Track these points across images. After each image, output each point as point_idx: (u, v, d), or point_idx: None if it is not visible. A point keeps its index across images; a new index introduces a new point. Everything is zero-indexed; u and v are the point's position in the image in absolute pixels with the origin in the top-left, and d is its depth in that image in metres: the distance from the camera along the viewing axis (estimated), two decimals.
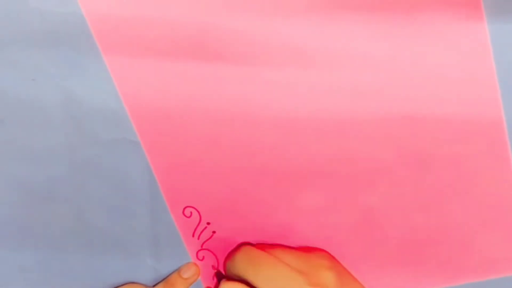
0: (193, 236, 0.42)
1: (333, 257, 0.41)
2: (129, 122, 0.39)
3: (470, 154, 0.40)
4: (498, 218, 0.41)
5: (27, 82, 0.38)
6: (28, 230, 0.41)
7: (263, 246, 0.40)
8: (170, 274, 0.42)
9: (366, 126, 0.39)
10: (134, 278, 0.42)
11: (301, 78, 0.38)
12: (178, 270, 0.42)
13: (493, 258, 0.42)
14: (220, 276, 0.41)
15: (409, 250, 0.42)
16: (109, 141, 0.39)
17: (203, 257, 0.42)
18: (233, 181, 0.40)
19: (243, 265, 0.38)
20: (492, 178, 0.40)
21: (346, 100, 0.38)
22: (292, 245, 0.41)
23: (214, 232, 0.42)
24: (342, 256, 0.42)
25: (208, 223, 0.42)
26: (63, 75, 0.38)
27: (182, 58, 0.38)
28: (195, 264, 0.42)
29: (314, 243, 0.42)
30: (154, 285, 0.42)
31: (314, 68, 0.38)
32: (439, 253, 0.42)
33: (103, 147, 0.39)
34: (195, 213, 0.41)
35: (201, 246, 0.42)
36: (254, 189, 0.40)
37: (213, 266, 0.42)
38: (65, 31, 0.37)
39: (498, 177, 0.40)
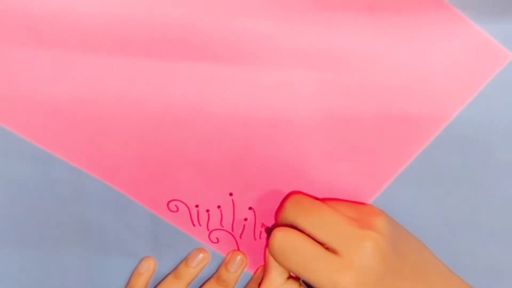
0: (194, 225, 0.41)
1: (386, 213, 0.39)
2: None
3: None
4: None
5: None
6: (28, 230, 0.41)
7: (313, 197, 0.39)
8: (218, 269, 0.42)
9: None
10: None
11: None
12: (224, 265, 0.41)
13: None
14: (270, 232, 0.39)
15: None
16: None
17: (217, 238, 0.41)
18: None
19: (294, 211, 0.37)
20: None
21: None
22: None
23: (207, 210, 0.40)
24: None
25: (197, 206, 0.40)
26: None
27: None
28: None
29: None
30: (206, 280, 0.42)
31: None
32: None
33: None
34: (180, 205, 0.40)
35: (207, 229, 0.41)
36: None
37: (262, 224, 0.41)
38: None
39: None
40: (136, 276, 0.41)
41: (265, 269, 0.38)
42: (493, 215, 0.40)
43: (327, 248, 0.35)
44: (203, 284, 0.42)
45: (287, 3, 0.36)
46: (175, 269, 0.42)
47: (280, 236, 0.36)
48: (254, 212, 0.41)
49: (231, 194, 0.40)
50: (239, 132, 0.38)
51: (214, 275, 0.42)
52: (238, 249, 0.41)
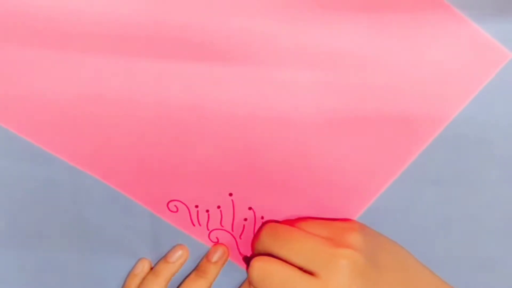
0: (193, 225, 0.41)
1: (362, 224, 0.39)
2: None
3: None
4: None
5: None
6: (28, 230, 0.41)
7: (288, 222, 0.40)
8: (200, 261, 0.41)
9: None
10: None
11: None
12: (206, 256, 0.41)
13: None
14: (248, 260, 0.40)
15: None
16: None
17: (216, 238, 0.41)
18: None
19: (269, 241, 0.38)
20: None
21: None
22: None
23: (207, 210, 0.40)
24: None
25: (197, 206, 0.40)
26: None
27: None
28: (220, 245, 0.41)
29: None
30: (187, 276, 0.42)
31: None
32: None
33: None
34: (180, 205, 0.40)
35: (207, 229, 0.41)
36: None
37: (240, 253, 0.41)
38: None
39: None
40: (132, 277, 0.41)
41: None
42: (492, 215, 0.40)
43: (305, 271, 0.35)
44: (184, 279, 0.42)
45: (289, 3, 0.36)
46: (154, 266, 0.41)
47: (258, 265, 0.37)
48: (254, 212, 0.41)
49: (231, 194, 0.40)
50: (239, 132, 0.38)
51: (195, 268, 0.42)
52: (238, 249, 0.41)
